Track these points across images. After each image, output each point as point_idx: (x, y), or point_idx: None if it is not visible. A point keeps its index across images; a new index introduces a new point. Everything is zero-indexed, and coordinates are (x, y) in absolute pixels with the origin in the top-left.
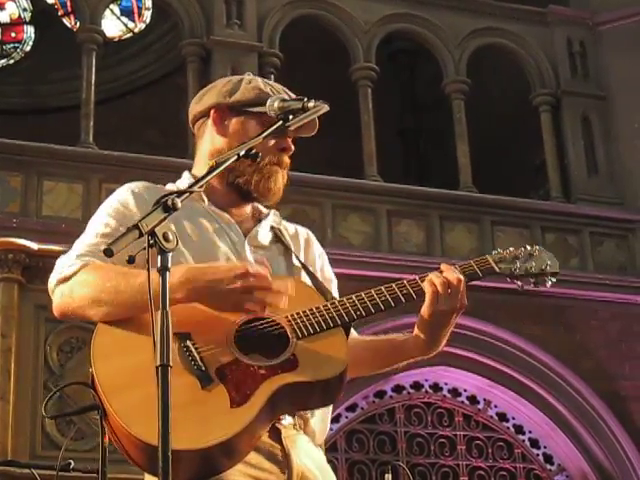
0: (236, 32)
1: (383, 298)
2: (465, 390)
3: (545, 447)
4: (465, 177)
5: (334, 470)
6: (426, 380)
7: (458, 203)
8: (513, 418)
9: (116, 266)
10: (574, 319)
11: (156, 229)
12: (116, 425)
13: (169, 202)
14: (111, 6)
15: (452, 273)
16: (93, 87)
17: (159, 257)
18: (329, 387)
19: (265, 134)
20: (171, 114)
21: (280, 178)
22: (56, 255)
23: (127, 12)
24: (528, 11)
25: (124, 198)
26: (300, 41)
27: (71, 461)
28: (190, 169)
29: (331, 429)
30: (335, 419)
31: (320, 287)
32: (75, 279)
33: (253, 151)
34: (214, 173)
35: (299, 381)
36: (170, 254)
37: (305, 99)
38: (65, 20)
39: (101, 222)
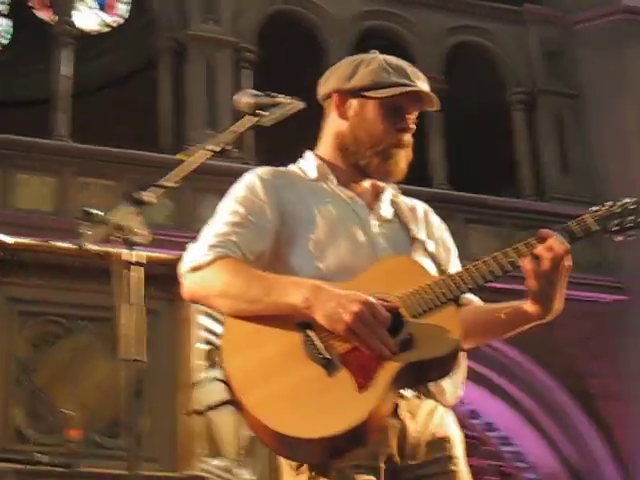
0: (212, 27)
1: (489, 269)
2: None
3: (515, 444)
4: (439, 175)
5: None
6: None
7: (431, 200)
8: (483, 415)
9: (249, 266)
10: None
11: (124, 223)
12: (252, 419)
13: (137, 196)
14: (87, 0)
15: (558, 243)
16: (68, 80)
17: (129, 251)
18: (446, 361)
19: (240, 132)
20: (145, 108)
21: (401, 159)
22: (31, 248)
23: (103, 6)
24: (504, 10)
25: (252, 185)
26: (276, 37)
27: (40, 455)
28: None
29: None
30: None
31: (438, 264)
32: (207, 270)
33: (230, 147)
34: (181, 168)
35: (418, 360)
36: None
37: (276, 95)
38: (41, 13)
39: (230, 210)
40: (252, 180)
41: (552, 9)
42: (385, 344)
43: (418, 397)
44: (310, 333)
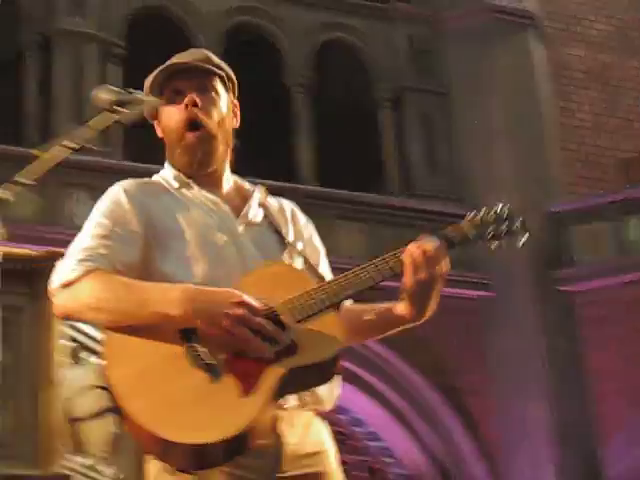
0: (78, 21)
1: (368, 275)
2: None
3: (382, 440)
4: (307, 171)
5: None
6: None
7: (301, 197)
8: (351, 411)
9: (119, 277)
10: None
11: None
12: (136, 427)
13: None
14: None
15: (429, 241)
16: None
17: None
18: (327, 366)
19: (97, 128)
20: (11, 102)
21: (197, 144)
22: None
23: None
24: (371, 7)
25: (117, 198)
26: (144, 32)
27: None
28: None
29: None
30: None
31: (310, 267)
32: (78, 285)
33: (89, 144)
34: (37, 164)
35: (300, 365)
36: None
37: (136, 91)
38: None
39: (96, 224)
40: (116, 193)
41: (420, 7)
42: (268, 336)
43: (297, 407)
44: (193, 340)
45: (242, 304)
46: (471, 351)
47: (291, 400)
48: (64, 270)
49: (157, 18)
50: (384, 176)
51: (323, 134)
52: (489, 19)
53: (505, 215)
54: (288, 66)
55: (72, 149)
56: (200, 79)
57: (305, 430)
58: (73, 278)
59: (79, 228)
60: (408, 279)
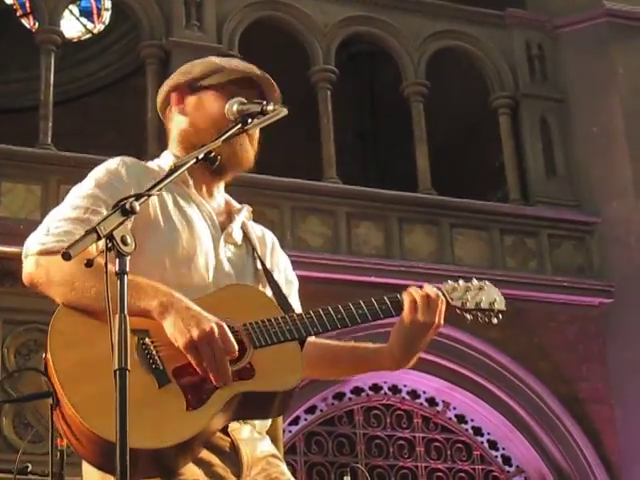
0: (195, 34)
1: (339, 316)
2: (424, 392)
3: (504, 449)
4: (424, 180)
5: (293, 473)
6: (385, 382)
7: (417, 205)
8: (472, 420)
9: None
10: (532, 321)
11: (114, 232)
12: (70, 416)
13: (127, 205)
14: (70, 6)
15: (432, 289)
16: (52, 88)
17: (117, 260)
18: (282, 399)
19: (224, 137)
20: (130, 116)
21: (245, 143)
22: (14, 257)
23: (86, 13)
24: (487, 14)
25: (115, 169)
26: (260, 43)
27: (29, 464)
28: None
29: (290, 431)
30: (294, 421)
31: (281, 296)
32: (56, 257)
33: (212, 154)
34: (173, 176)
35: (254, 391)
36: (127, 258)
37: (264, 102)
38: (24, 21)
39: (90, 194)
40: (115, 164)
41: (535, 13)
42: (222, 373)
43: (239, 421)
44: (147, 340)
45: (219, 327)
46: (592, 359)
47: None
48: (47, 237)
49: (272, 29)
50: (501, 183)
51: (440, 142)
52: (604, 22)
53: (484, 288)
54: (404, 75)
55: (198, 160)
56: (258, 94)
57: (254, 441)
58: (54, 249)
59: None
60: (406, 316)
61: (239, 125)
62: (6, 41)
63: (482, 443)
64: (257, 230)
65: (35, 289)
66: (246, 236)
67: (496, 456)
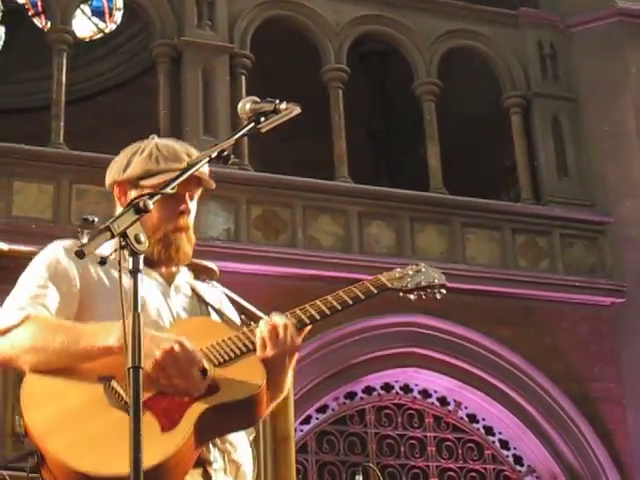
0: (207, 33)
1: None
2: (435, 391)
3: (515, 448)
4: (435, 179)
5: (304, 472)
6: (396, 381)
7: (429, 204)
8: (483, 419)
9: (57, 320)
10: (544, 321)
11: (128, 231)
12: (55, 464)
13: (141, 204)
14: (82, 6)
15: (280, 319)
16: (64, 87)
17: (130, 259)
18: (248, 406)
19: (237, 136)
20: (141, 115)
21: (182, 243)
22: (26, 256)
23: (98, 12)
24: (499, 13)
25: (55, 253)
26: (271, 42)
27: None
28: None
29: (301, 430)
30: (306, 420)
31: (229, 322)
32: (16, 330)
33: (225, 153)
34: (187, 174)
35: (221, 403)
36: (141, 256)
37: (277, 101)
38: (36, 20)
39: (35, 276)
40: (55, 248)
41: (547, 13)
42: (193, 383)
43: (225, 474)
44: (113, 383)
45: (179, 343)
46: (604, 359)
47: (219, 462)
48: (3, 318)
49: (283, 29)
50: (513, 183)
51: (452, 142)
52: (616, 22)
53: (422, 270)
54: (416, 74)
55: (213, 159)
56: (197, 190)
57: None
58: (12, 325)
59: (210, 239)
60: (259, 356)
61: (252, 124)
62: (18, 40)
63: (493, 443)
64: (203, 285)
65: (8, 366)
66: (194, 290)
67: (507, 456)
